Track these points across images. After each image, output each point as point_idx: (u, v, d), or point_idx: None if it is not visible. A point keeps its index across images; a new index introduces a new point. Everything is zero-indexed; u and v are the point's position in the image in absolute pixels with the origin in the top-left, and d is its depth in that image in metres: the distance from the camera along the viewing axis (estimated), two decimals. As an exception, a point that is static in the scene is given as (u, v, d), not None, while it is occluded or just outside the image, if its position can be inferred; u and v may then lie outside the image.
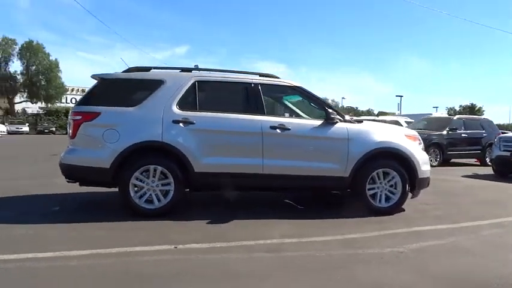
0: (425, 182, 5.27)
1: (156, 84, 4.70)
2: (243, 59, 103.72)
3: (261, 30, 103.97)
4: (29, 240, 3.60)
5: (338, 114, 5.02)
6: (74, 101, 51.74)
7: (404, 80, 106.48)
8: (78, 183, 4.72)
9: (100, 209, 5.03)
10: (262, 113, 4.82)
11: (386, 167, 5.04)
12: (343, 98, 66.54)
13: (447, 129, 12.46)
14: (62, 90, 46.44)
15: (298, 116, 5.24)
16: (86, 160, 4.50)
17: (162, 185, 4.56)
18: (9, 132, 33.00)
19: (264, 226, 4.33)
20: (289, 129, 4.81)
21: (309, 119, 5.10)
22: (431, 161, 13.89)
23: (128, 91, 4.74)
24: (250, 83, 4.92)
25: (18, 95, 45.80)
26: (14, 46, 44.12)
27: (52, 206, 4.97)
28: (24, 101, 46.43)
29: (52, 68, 44.81)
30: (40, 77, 44.64)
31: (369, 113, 59.71)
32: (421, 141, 5.47)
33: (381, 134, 5.10)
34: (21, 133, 35.31)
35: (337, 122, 4.95)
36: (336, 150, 4.91)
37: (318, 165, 4.87)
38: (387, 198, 5.08)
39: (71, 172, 4.59)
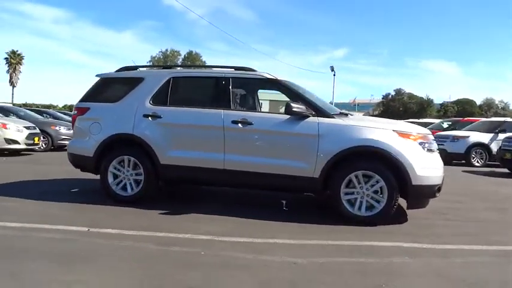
0: (426, 191, 4.29)
1: (137, 81, 5.08)
2: (408, 59, 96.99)
3: (424, 28, 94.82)
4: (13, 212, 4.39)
5: (312, 107, 4.52)
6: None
7: None
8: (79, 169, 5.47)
9: (96, 194, 5.34)
10: (228, 107, 4.71)
11: (367, 170, 4.31)
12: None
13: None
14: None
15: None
16: (79, 149, 5.20)
17: (136, 174, 4.92)
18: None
19: (210, 221, 4.25)
20: (251, 124, 4.57)
21: (277, 113, 4.72)
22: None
23: (114, 88, 5.26)
24: (221, 77, 4.85)
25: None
26: (178, 56, 51.49)
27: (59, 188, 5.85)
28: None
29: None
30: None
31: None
32: (428, 141, 4.45)
33: (360, 130, 4.38)
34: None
35: (305, 116, 4.45)
36: (304, 148, 4.43)
37: (284, 163, 4.49)
38: (370, 206, 4.33)
39: (71, 159, 5.36)
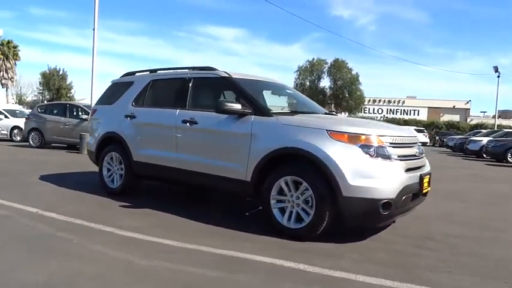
0: (362, 205, 3.46)
1: (128, 85, 5.57)
2: None
3: None
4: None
5: (251, 105, 4.16)
6: (375, 111, 54.93)
7: None
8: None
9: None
10: (184, 107, 4.74)
11: (295, 175, 3.75)
12: None
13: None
14: (360, 101, 50.31)
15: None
16: (89, 145, 6.00)
17: (120, 169, 5.40)
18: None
19: (142, 216, 4.35)
20: (197, 123, 4.50)
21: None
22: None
23: (114, 92, 5.84)
24: (184, 78, 4.91)
25: (326, 106, 53.26)
26: (325, 65, 51.62)
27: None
28: (330, 112, 53.62)
29: (353, 82, 49.44)
30: (344, 90, 50.23)
31: None
32: (378, 145, 3.57)
33: (290, 130, 3.83)
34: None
35: (241, 115, 4.13)
36: (238, 148, 4.13)
37: (221, 163, 4.27)
38: (300, 218, 3.75)
39: (87, 154, 6.20)
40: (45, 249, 3.23)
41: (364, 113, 51.80)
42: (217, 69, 4.76)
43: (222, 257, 3.21)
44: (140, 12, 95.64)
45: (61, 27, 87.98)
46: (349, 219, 3.60)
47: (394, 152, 3.65)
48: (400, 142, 3.81)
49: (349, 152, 3.53)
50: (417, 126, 34.94)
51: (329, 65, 51.43)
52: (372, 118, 51.55)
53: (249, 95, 4.31)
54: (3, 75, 37.73)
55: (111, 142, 5.51)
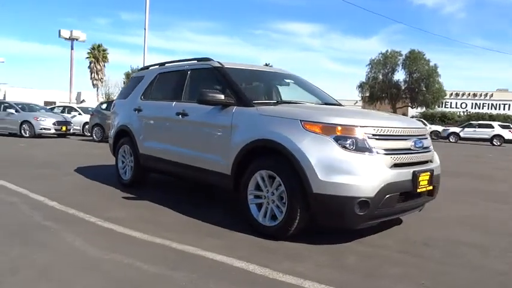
0: (334, 203, 3.11)
1: (140, 79, 5.69)
2: None
3: None
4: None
5: (234, 95, 3.96)
6: (458, 105, 50.63)
7: None
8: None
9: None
10: (179, 99, 4.69)
11: (268, 169, 3.50)
12: None
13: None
14: (439, 95, 46.61)
15: None
16: (109, 138, 6.24)
17: (131, 162, 5.55)
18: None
19: (143, 210, 4.41)
20: (187, 115, 4.43)
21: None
22: None
23: (129, 86, 5.99)
24: (182, 70, 4.87)
25: (401, 100, 50.15)
26: (399, 57, 48.66)
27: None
28: (404, 106, 50.33)
29: (431, 74, 45.99)
30: (421, 83, 46.96)
31: None
32: (356, 137, 3.17)
33: (265, 121, 3.58)
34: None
35: (225, 105, 3.96)
36: (220, 140, 3.99)
37: (207, 156, 4.15)
38: (274, 216, 3.50)
39: (109, 147, 6.46)
40: (21, 236, 3.38)
41: (445, 107, 48.02)
42: (212, 60, 4.63)
43: (180, 253, 3.09)
44: (218, 12, 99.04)
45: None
46: (321, 218, 3.27)
47: (378, 144, 3.23)
48: (389, 134, 3.35)
49: (321, 144, 3.19)
50: (505, 122, 31.40)
51: (404, 57, 48.40)
52: (453, 113, 47.57)
53: (235, 85, 4.11)
54: (94, 76, 41.68)
55: (123, 135, 5.68)
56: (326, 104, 4.58)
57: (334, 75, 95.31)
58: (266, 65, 4.94)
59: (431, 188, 3.55)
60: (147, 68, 6.04)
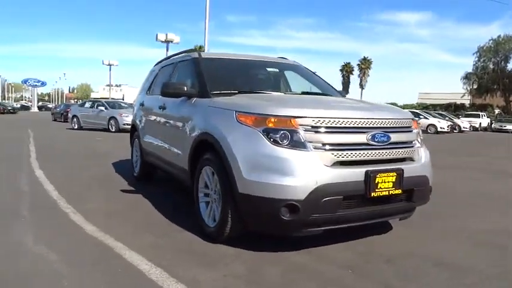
0: (258, 205, 2.70)
1: (152, 74, 5.71)
2: None
3: None
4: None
5: (198, 86, 3.72)
6: None
7: None
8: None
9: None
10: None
11: (210, 165, 3.21)
12: None
13: None
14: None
15: None
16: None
17: (139, 156, 5.64)
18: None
19: (125, 204, 4.43)
20: (165, 108, 4.32)
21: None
22: None
23: (144, 82, 6.07)
24: (174, 63, 4.77)
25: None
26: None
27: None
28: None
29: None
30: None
31: None
32: (282, 129, 2.70)
33: (209, 113, 3.29)
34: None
35: (189, 97, 3.73)
36: (181, 132, 3.81)
37: (174, 150, 4.02)
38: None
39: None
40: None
41: None
42: (196, 51, 4.46)
43: (102, 250, 2.97)
44: (318, 7, 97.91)
45: (251, 30, 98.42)
46: (249, 222, 2.87)
47: (318, 138, 2.71)
48: (334, 126, 2.78)
49: (249, 138, 2.80)
50: None
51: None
52: None
53: (200, 76, 3.85)
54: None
55: (134, 130, 5.82)
56: (324, 95, 4.09)
57: (443, 67, 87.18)
58: (280, 57, 4.57)
59: (399, 191, 2.88)
60: (159, 63, 6.09)
